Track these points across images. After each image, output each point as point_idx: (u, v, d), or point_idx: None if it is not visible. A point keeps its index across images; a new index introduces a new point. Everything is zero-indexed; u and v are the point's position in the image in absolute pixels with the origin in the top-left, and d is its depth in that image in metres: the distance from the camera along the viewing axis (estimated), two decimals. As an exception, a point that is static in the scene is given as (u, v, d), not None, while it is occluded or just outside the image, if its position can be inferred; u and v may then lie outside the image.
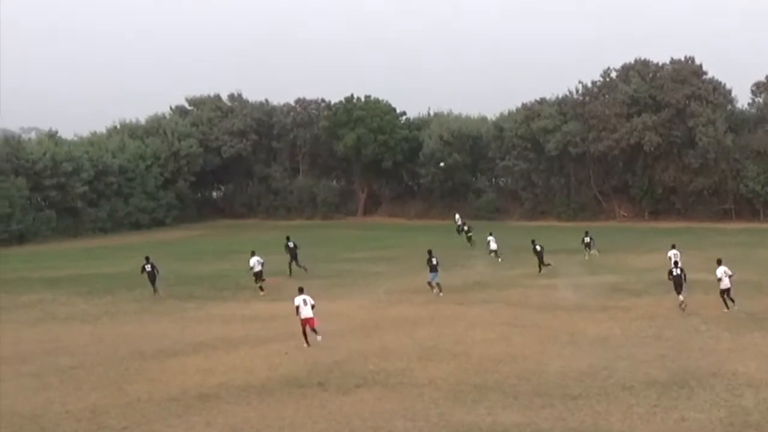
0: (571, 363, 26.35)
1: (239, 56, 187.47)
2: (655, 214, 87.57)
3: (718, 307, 35.39)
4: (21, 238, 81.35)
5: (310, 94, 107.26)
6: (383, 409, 22.01)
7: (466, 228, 66.98)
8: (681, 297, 35.84)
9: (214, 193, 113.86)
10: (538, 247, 50.57)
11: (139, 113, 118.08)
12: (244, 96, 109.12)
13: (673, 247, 45.25)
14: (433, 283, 42.62)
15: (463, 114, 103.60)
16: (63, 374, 27.05)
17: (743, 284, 41.30)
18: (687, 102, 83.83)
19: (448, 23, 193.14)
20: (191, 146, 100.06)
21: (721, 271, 35.53)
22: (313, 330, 31.49)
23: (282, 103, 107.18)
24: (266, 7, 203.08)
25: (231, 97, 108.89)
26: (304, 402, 22.91)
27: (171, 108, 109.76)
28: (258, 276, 44.59)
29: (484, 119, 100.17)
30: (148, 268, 44.92)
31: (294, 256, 50.36)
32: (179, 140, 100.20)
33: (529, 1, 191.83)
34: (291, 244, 50.92)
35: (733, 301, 35.38)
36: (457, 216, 77.40)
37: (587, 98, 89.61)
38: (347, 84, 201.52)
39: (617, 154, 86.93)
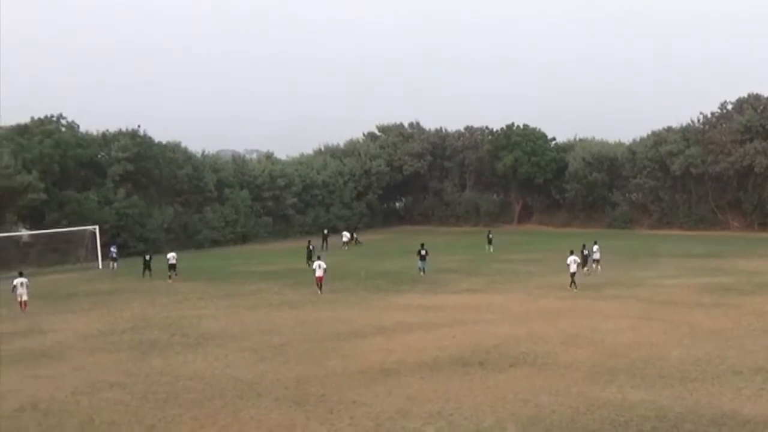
0: (689, 351, 25.70)
1: (420, 89, 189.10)
2: (764, 226, 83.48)
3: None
4: (244, 239, 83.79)
5: (477, 122, 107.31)
6: (532, 385, 21.91)
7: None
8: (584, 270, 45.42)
9: (397, 204, 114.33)
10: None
11: (339, 138, 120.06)
12: (422, 124, 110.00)
13: (595, 243, 51.09)
14: (421, 269, 48.43)
15: (603, 138, 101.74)
16: (275, 350, 27.83)
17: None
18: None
19: (600, 64, 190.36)
20: (380, 165, 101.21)
21: (571, 259, 41.87)
22: (320, 285, 41.80)
23: (453, 129, 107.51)
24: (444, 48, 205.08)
25: (411, 125, 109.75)
26: (467, 378, 22.99)
27: (364, 134, 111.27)
28: (172, 267, 51.33)
29: (619, 144, 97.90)
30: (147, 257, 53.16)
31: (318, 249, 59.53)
32: (370, 160, 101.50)
33: (658, 49, 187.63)
34: (311, 247, 59.60)
35: (575, 284, 41.02)
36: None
37: (707, 126, 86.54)
38: (508, 112, 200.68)
39: (732, 174, 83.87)
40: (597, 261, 49.50)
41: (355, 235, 79.10)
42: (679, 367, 23.43)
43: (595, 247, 50.03)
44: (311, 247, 59.28)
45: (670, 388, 21.24)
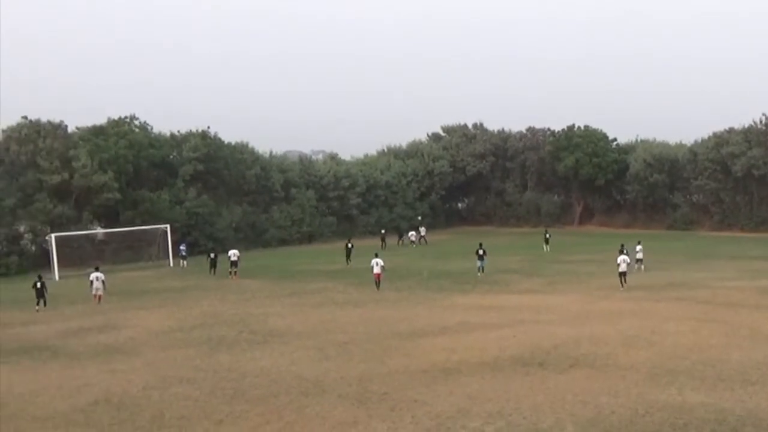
0: (750, 353, 25.22)
1: (483, 89, 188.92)
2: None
3: None
4: (310, 238, 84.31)
5: (539, 123, 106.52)
6: (591, 387, 21.77)
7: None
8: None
9: (459, 205, 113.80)
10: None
11: (402, 139, 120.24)
12: (485, 125, 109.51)
13: (639, 243, 51.40)
14: (480, 269, 49.08)
15: (664, 140, 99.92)
16: (338, 348, 28.06)
17: None
18: None
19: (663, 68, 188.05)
20: (442, 166, 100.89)
21: (621, 258, 42.27)
22: (379, 281, 43.04)
23: (515, 130, 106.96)
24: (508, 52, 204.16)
25: (474, 125, 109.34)
26: (527, 378, 22.92)
27: (427, 135, 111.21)
28: (234, 264, 52.34)
29: (680, 145, 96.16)
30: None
31: (348, 255, 59.14)
32: (433, 161, 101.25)
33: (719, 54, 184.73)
34: (350, 245, 60.48)
35: (625, 282, 41.49)
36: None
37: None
38: (570, 113, 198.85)
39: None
40: (640, 261, 49.28)
41: (422, 232, 79.68)
42: (740, 370, 23.06)
43: (638, 247, 50.10)
44: (350, 245, 59.83)
45: (730, 391, 20.93)
